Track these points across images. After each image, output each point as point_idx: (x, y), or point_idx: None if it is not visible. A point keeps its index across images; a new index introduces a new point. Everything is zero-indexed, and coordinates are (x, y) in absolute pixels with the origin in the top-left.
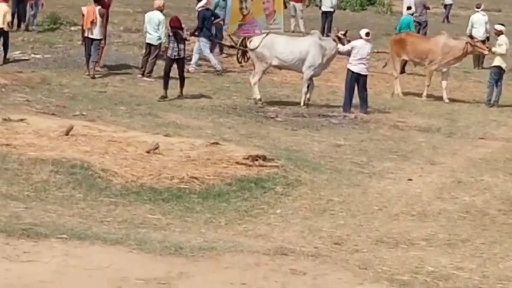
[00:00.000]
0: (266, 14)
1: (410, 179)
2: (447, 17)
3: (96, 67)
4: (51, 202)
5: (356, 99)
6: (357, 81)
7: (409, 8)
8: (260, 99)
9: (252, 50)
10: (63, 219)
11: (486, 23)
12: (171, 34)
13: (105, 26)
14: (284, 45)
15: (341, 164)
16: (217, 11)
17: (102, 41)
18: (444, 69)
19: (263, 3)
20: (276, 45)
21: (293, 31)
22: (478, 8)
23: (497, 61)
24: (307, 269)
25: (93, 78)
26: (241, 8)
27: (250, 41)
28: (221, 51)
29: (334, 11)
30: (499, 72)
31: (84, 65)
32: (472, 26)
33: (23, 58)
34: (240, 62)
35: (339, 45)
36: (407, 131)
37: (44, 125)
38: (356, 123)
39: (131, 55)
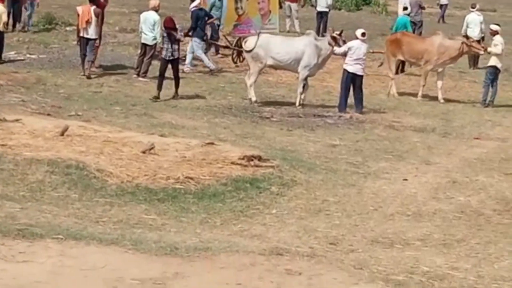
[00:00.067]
0: (262, 14)
1: (405, 179)
2: (442, 17)
3: (92, 67)
4: (47, 203)
5: (351, 99)
6: (353, 81)
7: (405, 8)
8: (256, 101)
9: (248, 52)
10: (59, 219)
11: (481, 23)
12: (165, 35)
13: (101, 26)
14: (280, 45)
15: (336, 164)
16: (213, 11)
17: (97, 41)
18: (440, 69)
19: (258, 3)
20: (271, 45)
21: (288, 31)
22: (473, 8)
23: (493, 61)
24: (303, 269)
25: (89, 78)
26: (236, 8)
27: (245, 42)
28: (217, 52)
29: (329, 11)
30: (494, 72)
31: (79, 65)
32: (467, 26)
33: (18, 58)
34: (235, 62)
35: (335, 48)
36: (402, 131)
37: (40, 125)
38: (352, 123)
39: (126, 55)
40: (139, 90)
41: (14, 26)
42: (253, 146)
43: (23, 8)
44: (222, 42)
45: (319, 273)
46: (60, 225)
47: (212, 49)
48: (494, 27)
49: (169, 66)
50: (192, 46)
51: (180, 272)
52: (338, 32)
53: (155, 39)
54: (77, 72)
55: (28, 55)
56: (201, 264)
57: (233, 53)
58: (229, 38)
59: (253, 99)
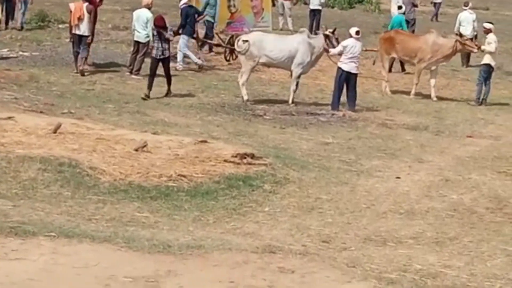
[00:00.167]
0: (255, 12)
1: (398, 177)
2: (436, 15)
3: (85, 64)
4: (39, 200)
5: (343, 97)
6: (347, 79)
7: (399, 7)
8: (248, 100)
9: (242, 53)
10: (51, 217)
11: (474, 21)
12: (155, 33)
13: (93, 23)
14: (274, 43)
15: (329, 162)
16: (207, 9)
17: (89, 38)
18: (433, 67)
19: (251, 1)
20: (265, 43)
21: (281, 29)
22: (466, 6)
23: (487, 59)
24: (295, 267)
25: (83, 74)
26: (229, 6)
27: (238, 41)
28: (210, 50)
29: (322, 9)
30: (488, 70)
31: (72, 63)
32: (460, 24)
33: (11, 55)
34: (228, 60)
35: (331, 49)
36: (395, 129)
37: (32, 123)
38: (344, 121)
39: (119, 53)
40: (131, 88)
41: (6, 23)
42: (246, 144)
43: (16, 6)
44: (214, 40)
45: (312, 271)
46: (53, 222)
47: (206, 47)
48: (487, 25)
49: (160, 65)
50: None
51: (172, 270)
52: (331, 30)
53: (148, 36)
54: (69, 70)
55: (20, 53)
56: (193, 262)
57: (225, 51)
58: (222, 36)
59: (245, 98)
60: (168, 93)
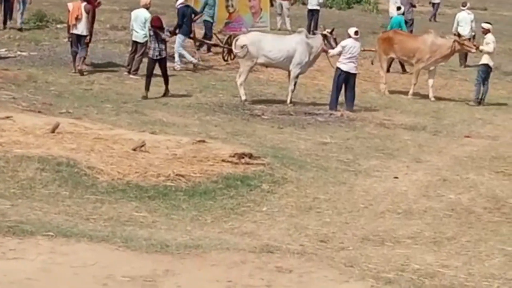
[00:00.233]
0: (253, 12)
1: (396, 177)
2: (434, 15)
3: (83, 63)
4: (37, 200)
5: (342, 97)
6: (346, 79)
7: (398, 8)
8: (246, 100)
9: (241, 57)
10: (49, 216)
11: (471, 21)
12: (152, 34)
13: (92, 23)
14: (272, 43)
15: (327, 162)
16: (206, 9)
17: (88, 38)
18: (431, 68)
19: (249, 1)
20: (263, 43)
21: (279, 29)
22: (464, 6)
23: (485, 59)
24: (293, 266)
25: (82, 74)
26: (227, 6)
27: (236, 41)
28: (208, 50)
29: (320, 9)
30: (486, 71)
31: (70, 63)
32: (457, 25)
33: (9, 55)
34: (226, 60)
35: (330, 50)
36: (393, 129)
37: (30, 122)
38: (342, 121)
39: (117, 53)
40: (130, 88)
41: (4, 23)
42: (244, 144)
43: (14, 6)
44: (213, 40)
45: (309, 270)
46: (51, 222)
47: (204, 47)
48: (486, 25)
49: (157, 65)
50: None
51: (170, 270)
52: (329, 30)
53: (146, 36)
54: (68, 70)
55: (19, 52)
56: (191, 261)
57: (223, 51)
58: (220, 36)
59: (243, 98)
60: (166, 93)
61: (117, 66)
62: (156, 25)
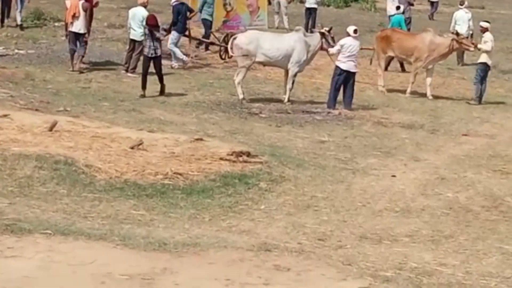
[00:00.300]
0: (250, 11)
1: (394, 176)
2: (432, 14)
3: (81, 62)
4: (35, 198)
5: (340, 96)
6: (346, 78)
7: (398, 8)
8: (244, 98)
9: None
10: (47, 214)
11: (469, 20)
12: (147, 32)
13: (89, 21)
14: (270, 41)
15: (325, 160)
16: (205, 7)
17: (86, 35)
18: (429, 66)
19: None
20: (262, 42)
21: (277, 28)
22: (462, 5)
23: (483, 58)
24: (291, 265)
25: (81, 72)
26: (224, 5)
27: (234, 39)
28: (206, 48)
29: (318, 7)
30: (485, 69)
31: (68, 61)
32: (455, 23)
33: (7, 53)
34: (223, 59)
35: (329, 49)
36: (390, 127)
37: (28, 120)
38: (340, 120)
39: (115, 51)
40: (127, 86)
41: (2, 21)
42: (241, 142)
43: (12, 5)
44: (210, 38)
45: (307, 269)
46: (49, 220)
47: (202, 45)
48: (484, 24)
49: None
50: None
51: (168, 268)
52: (327, 29)
53: (143, 35)
54: (65, 68)
55: (16, 51)
56: (189, 259)
57: (220, 50)
58: (217, 35)
59: (241, 96)
60: (162, 91)
61: (114, 65)
62: (151, 24)
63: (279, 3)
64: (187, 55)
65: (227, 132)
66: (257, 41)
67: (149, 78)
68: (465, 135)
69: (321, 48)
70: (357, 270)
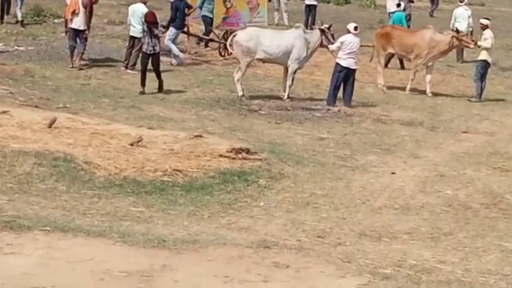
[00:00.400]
0: (250, 8)
1: (393, 173)
2: (433, 11)
3: (80, 59)
4: (34, 194)
5: (339, 93)
6: (346, 75)
7: (398, 5)
8: (243, 95)
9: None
10: (46, 211)
11: (469, 17)
12: (146, 29)
13: (89, 17)
14: (271, 38)
15: (324, 157)
16: (205, 4)
17: (86, 32)
18: (429, 63)
19: None
20: (262, 39)
21: (277, 24)
22: (462, 2)
23: (483, 55)
24: (290, 262)
25: (81, 69)
26: (224, 1)
27: (234, 36)
28: (206, 45)
29: (318, 4)
30: (485, 66)
31: (67, 58)
32: (455, 20)
33: (6, 50)
34: (222, 55)
35: (330, 46)
36: (390, 124)
37: (27, 117)
38: (340, 117)
39: (114, 48)
40: (127, 83)
41: (2, 18)
42: (241, 139)
43: (13, 1)
44: (210, 35)
45: (306, 266)
46: (48, 217)
47: (202, 42)
48: (484, 21)
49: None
50: (176, 38)
51: (167, 265)
52: (327, 26)
53: (143, 31)
54: (65, 64)
55: (16, 47)
56: (188, 256)
57: (220, 46)
58: (216, 31)
59: (240, 93)
60: (160, 88)
61: (114, 61)
62: (150, 21)
63: (278, 0)
64: (185, 51)
65: (227, 129)
66: (257, 38)
67: (148, 75)
68: (465, 132)
69: (321, 45)
70: (356, 267)
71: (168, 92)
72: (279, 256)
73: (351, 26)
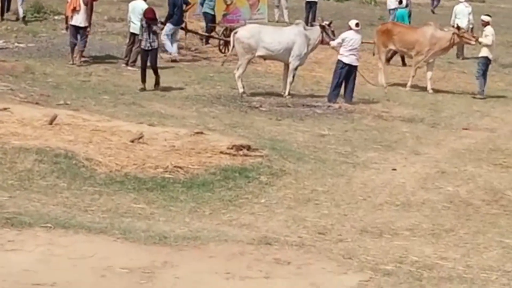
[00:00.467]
0: (250, 4)
1: (394, 169)
2: (434, 8)
3: (81, 56)
4: (35, 191)
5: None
6: (348, 72)
7: (400, 2)
8: (244, 92)
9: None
10: (47, 208)
11: (469, 14)
12: (145, 25)
13: (90, 14)
14: (271, 35)
15: (325, 154)
16: (206, 1)
17: (87, 29)
18: (430, 60)
19: None
20: (263, 35)
21: (277, 21)
22: None
23: (484, 52)
24: (291, 258)
25: (80, 66)
26: None
27: (235, 33)
28: (206, 42)
29: (318, 1)
30: (486, 63)
31: (68, 54)
32: (455, 17)
33: (7, 47)
34: (223, 52)
35: (331, 42)
36: (391, 121)
37: (28, 114)
38: (340, 113)
39: (115, 45)
40: (127, 80)
41: (2, 15)
42: (242, 136)
43: None
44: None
45: (308, 262)
46: (49, 213)
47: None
48: (485, 18)
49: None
50: (175, 35)
51: (169, 261)
52: (327, 22)
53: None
54: (65, 61)
55: (16, 44)
56: (190, 253)
57: (220, 43)
58: (217, 28)
59: (241, 90)
60: (157, 84)
61: (114, 58)
62: (149, 17)
63: None
64: (182, 48)
65: (227, 126)
66: (258, 34)
67: (148, 71)
68: (466, 129)
69: (321, 42)
70: (357, 264)
71: (169, 89)
72: (280, 253)
73: (352, 23)
